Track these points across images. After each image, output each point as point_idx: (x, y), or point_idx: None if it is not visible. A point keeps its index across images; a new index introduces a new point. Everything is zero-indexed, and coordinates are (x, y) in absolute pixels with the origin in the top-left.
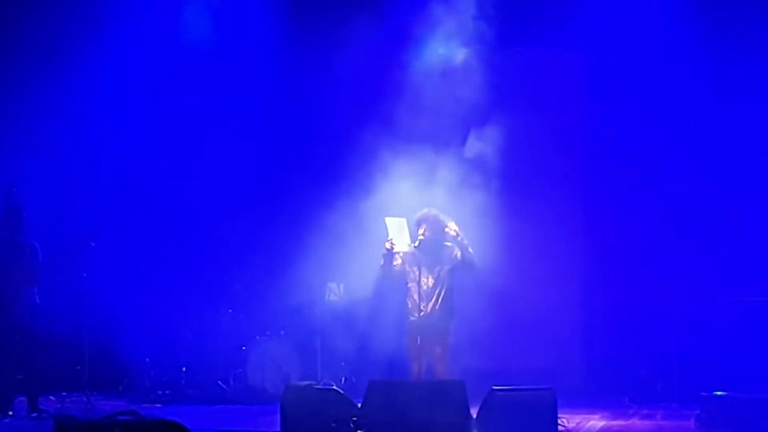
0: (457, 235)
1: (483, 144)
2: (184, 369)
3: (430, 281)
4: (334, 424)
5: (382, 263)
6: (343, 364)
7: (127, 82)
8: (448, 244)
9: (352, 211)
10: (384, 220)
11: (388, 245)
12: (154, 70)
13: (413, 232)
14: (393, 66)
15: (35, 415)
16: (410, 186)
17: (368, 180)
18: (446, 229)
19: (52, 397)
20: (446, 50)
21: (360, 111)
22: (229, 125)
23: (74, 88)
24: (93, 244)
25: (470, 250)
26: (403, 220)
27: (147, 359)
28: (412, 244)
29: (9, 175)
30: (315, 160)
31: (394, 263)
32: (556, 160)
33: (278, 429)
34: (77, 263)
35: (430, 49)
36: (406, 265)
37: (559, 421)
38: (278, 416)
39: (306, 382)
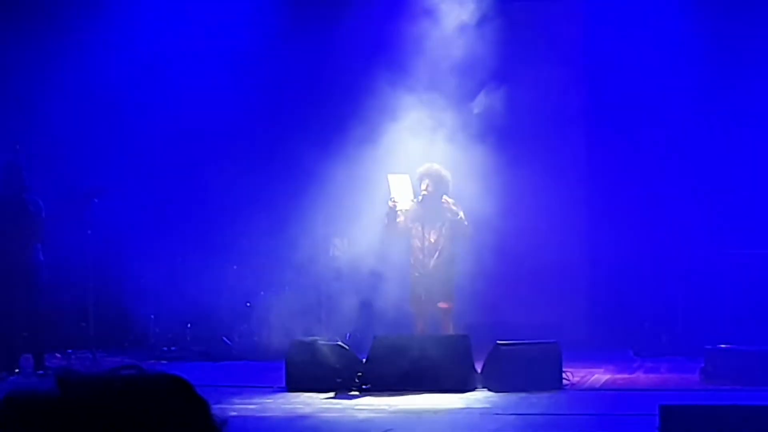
0: (453, 206)
1: (492, 99)
2: (189, 325)
3: (433, 237)
4: (339, 379)
5: (385, 222)
6: (347, 319)
7: (132, 33)
8: (449, 200)
9: (357, 164)
10: (387, 178)
11: (390, 203)
12: (158, 20)
13: (416, 188)
14: (407, 17)
15: (41, 372)
16: (416, 138)
17: (374, 131)
18: (443, 201)
19: (57, 355)
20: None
21: (369, 59)
22: (234, 75)
23: (78, 40)
24: (96, 200)
25: (465, 221)
26: (406, 177)
27: (152, 316)
28: (415, 200)
29: (11, 131)
30: (320, 112)
31: (398, 220)
32: (563, 114)
33: (283, 384)
34: (81, 220)
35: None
36: (409, 222)
37: (563, 375)
38: (283, 372)
39: (311, 338)
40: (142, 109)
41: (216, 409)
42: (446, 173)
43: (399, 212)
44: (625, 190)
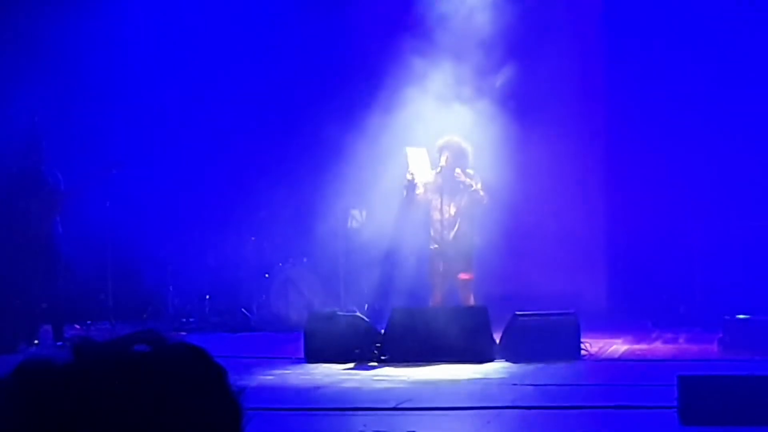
0: (467, 179)
1: (514, 73)
2: (207, 297)
3: (452, 209)
4: (357, 351)
5: (404, 194)
6: (365, 290)
7: (154, 7)
8: (468, 172)
9: (377, 135)
10: (405, 151)
11: (408, 176)
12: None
13: (434, 160)
14: None
15: (60, 343)
16: (437, 109)
17: (395, 101)
18: (456, 175)
19: (76, 326)
20: None
21: (393, 26)
22: (257, 45)
23: (97, 13)
24: (115, 172)
25: (481, 191)
26: (423, 150)
27: (171, 287)
28: (434, 172)
29: (30, 103)
30: (341, 81)
31: (416, 192)
32: (582, 86)
33: (302, 355)
34: (100, 192)
35: None
36: (428, 194)
37: (581, 346)
38: (301, 343)
39: (329, 309)
40: (163, 80)
41: (233, 378)
42: (466, 146)
43: (417, 185)
44: (643, 159)
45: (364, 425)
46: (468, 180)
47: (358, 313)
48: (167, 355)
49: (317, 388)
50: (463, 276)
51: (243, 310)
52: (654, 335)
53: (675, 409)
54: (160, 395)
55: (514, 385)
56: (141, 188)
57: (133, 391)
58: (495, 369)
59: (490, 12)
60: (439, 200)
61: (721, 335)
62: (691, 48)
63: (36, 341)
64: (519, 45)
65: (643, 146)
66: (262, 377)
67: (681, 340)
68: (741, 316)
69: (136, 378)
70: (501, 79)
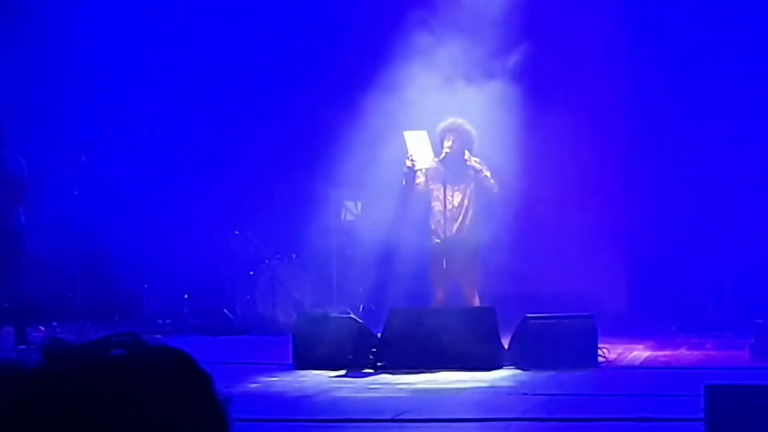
0: (477, 163)
1: (528, 52)
2: (186, 296)
3: (456, 199)
4: (351, 356)
5: (404, 182)
6: (360, 290)
7: None
8: (476, 160)
9: (373, 118)
10: (402, 135)
11: (408, 162)
12: None
13: (436, 145)
14: None
15: (23, 347)
16: (440, 88)
17: (395, 80)
18: (465, 159)
19: (41, 327)
20: None
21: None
22: (237, 14)
23: None
24: (84, 158)
25: (491, 179)
26: (424, 133)
27: (146, 285)
28: (436, 159)
29: None
30: (335, 58)
31: (417, 181)
32: (599, 70)
33: (290, 361)
34: (68, 179)
35: None
36: (430, 183)
37: (599, 352)
38: (290, 347)
39: (320, 311)
40: (139, 56)
41: (217, 386)
42: (471, 128)
43: (418, 172)
44: (669, 146)
45: None
46: (477, 164)
47: (352, 315)
48: (148, 359)
49: (307, 397)
50: (466, 274)
51: (225, 311)
52: (679, 340)
53: (702, 422)
54: (141, 403)
55: (524, 394)
56: (113, 176)
57: (110, 398)
58: (503, 377)
59: None
60: (442, 190)
61: (752, 340)
62: (726, 24)
63: None
64: (534, 22)
65: (670, 132)
66: (246, 385)
67: (709, 346)
68: None
69: (114, 384)
70: (514, 58)
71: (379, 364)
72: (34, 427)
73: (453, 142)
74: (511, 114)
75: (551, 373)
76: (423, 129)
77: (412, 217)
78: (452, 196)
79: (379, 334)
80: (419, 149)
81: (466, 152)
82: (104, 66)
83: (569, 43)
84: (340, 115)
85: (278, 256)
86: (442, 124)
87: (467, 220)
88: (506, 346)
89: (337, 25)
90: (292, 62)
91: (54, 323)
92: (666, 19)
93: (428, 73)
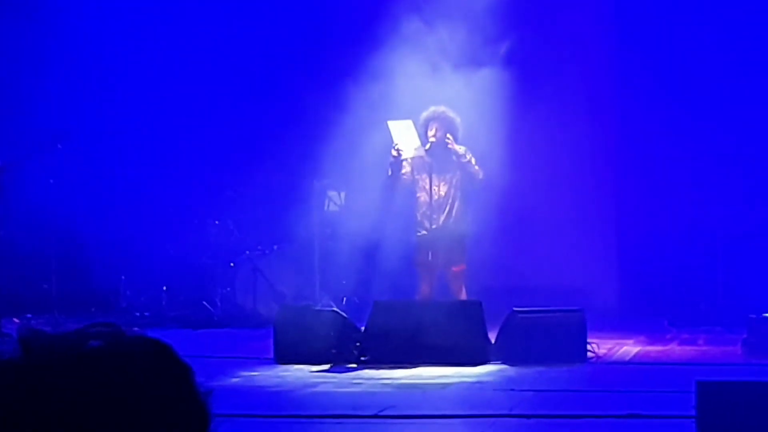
0: (460, 149)
1: (519, 39)
2: (164, 288)
3: (443, 189)
4: (334, 350)
5: (389, 173)
6: (344, 282)
7: None
8: (459, 148)
9: (358, 106)
10: (387, 125)
11: (394, 152)
12: None
13: (421, 136)
14: None
15: None
16: (426, 75)
17: (381, 67)
18: (448, 144)
19: (15, 319)
20: None
21: None
22: (216, 5)
23: None
24: (60, 145)
25: (475, 166)
26: (409, 122)
27: (123, 277)
28: (421, 148)
29: None
30: (319, 44)
31: (402, 171)
32: (590, 56)
33: (271, 356)
34: (43, 168)
35: None
36: (415, 173)
37: (588, 347)
38: (271, 341)
39: (302, 303)
40: (117, 41)
41: (198, 379)
42: (455, 116)
43: (404, 162)
44: (662, 137)
45: None
46: (461, 149)
47: (335, 308)
48: (127, 350)
49: (288, 392)
50: (454, 268)
51: (205, 303)
52: (670, 336)
53: (693, 419)
54: (120, 396)
55: (511, 390)
56: (90, 164)
57: (89, 390)
58: (489, 372)
59: None
60: (428, 180)
61: (745, 336)
62: (718, 14)
63: None
64: (525, 9)
65: (663, 123)
66: (226, 379)
67: (700, 342)
68: None
69: (92, 376)
70: (504, 45)
71: (362, 358)
72: (11, 420)
73: (436, 130)
74: (500, 102)
75: (539, 368)
76: (410, 118)
77: (397, 208)
78: (438, 186)
79: (362, 328)
80: (405, 139)
81: (449, 135)
82: (81, 52)
83: (560, 31)
84: (324, 102)
85: (259, 246)
86: (424, 114)
87: (453, 211)
88: (493, 341)
89: (321, 10)
90: (274, 47)
91: (28, 315)
92: (660, 5)
93: (416, 60)
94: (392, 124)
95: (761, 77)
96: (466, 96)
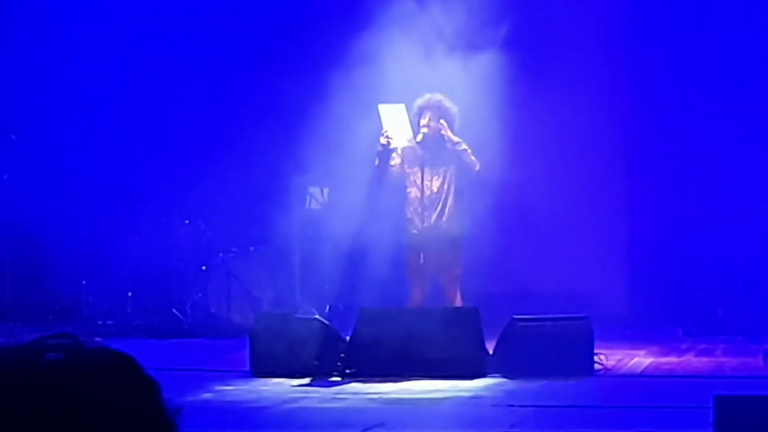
0: (453, 141)
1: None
2: (130, 294)
3: (435, 184)
4: (316, 362)
5: (376, 163)
6: (327, 287)
7: None
8: (455, 138)
9: (343, 93)
10: (378, 109)
11: (383, 140)
12: None
13: (414, 124)
14: None
15: None
16: (419, 60)
17: (367, 51)
18: (442, 133)
19: None
20: None
21: None
22: None
23: None
24: (15, 137)
25: (472, 156)
26: (402, 107)
27: (84, 282)
28: (413, 139)
29: None
30: (299, 24)
31: (392, 163)
32: (601, 38)
33: (247, 368)
34: None
35: None
36: (406, 165)
37: (595, 358)
38: (247, 352)
39: (281, 310)
40: (78, 24)
41: (166, 394)
42: (451, 105)
43: (394, 152)
44: (677, 131)
45: None
46: (457, 139)
47: (317, 316)
48: (88, 364)
49: (265, 408)
50: (447, 270)
51: (174, 310)
52: (685, 346)
53: None
54: (80, 414)
55: (511, 406)
56: (47, 157)
57: (46, 407)
58: (488, 386)
59: None
60: (419, 174)
61: (767, 347)
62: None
63: None
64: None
65: (680, 115)
66: (197, 394)
67: (718, 352)
68: None
69: (50, 392)
70: (504, 28)
71: (347, 371)
72: None
73: (430, 120)
74: (499, 90)
75: (542, 381)
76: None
77: (385, 204)
78: (430, 181)
79: (347, 338)
80: (396, 125)
81: (443, 121)
82: (39, 37)
83: (564, 12)
84: (304, 88)
85: (234, 248)
86: (419, 101)
87: (447, 209)
88: (491, 352)
89: None
90: (247, 29)
91: None
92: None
93: (407, 43)
94: (383, 108)
95: None
96: (461, 82)
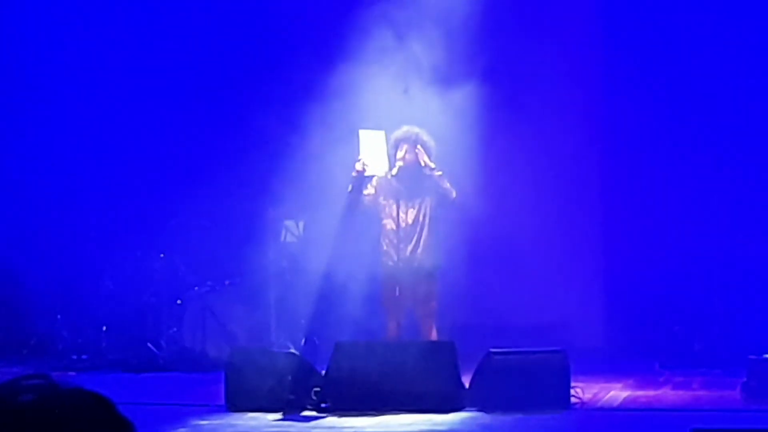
0: (430, 166)
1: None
2: (104, 328)
3: (411, 216)
4: (291, 396)
5: (349, 189)
6: (302, 321)
7: None
8: (432, 164)
9: (316, 128)
10: (357, 134)
11: (359, 166)
12: None
13: (390, 156)
14: None
15: None
16: (397, 93)
17: (344, 83)
18: (422, 165)
19: None
20: None
21: None
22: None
23: None
24: None
25: (453, 191)
26: (381, 134)
27: (58, 316)
28: (389, 171)
29: None
30: (277, 56)
31: (365, 192)
32: (580, 72)
33: (222, 402)
34: None
35: None
36: (381, 197)
37: (572, 392)
38: (222, 386)
39: (257, 345)
40: (52, 39)
41: None
42: (429, 138)
43: (369, 184)
44: (652, 160)
45: None
46: (434, 165)
47: (292, 350)
48: (61, 405)
49: None
50: (423, 303)
51: (149, 344)
52: (662, 378)
53: None
54: None
55: None
56: (18, 186)
57: None
58: (464, 420)
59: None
60: (395, 206)
61: (745, 379)
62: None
63: None
64: (504, 23)
65: (652, 145)
66: (172, 429)
67: (695, 385)
68: None
69: None
70: (481, 62)
71: (322, 405)
72: None
73: (407, 153)
74: (476, 122)
75: (518, 415)
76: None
77: (359, 234)
78: (406, 213)
79: (323, 372)
80: (373, 153)
81: (424, 156)
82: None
83: (542, 47)
84: (280, 121)
85: (209, 282)
86: (396, 134)
87: (423, 241)
88: (467, 385)
89: (276, 19)
90: (223, 60)
91: None
92: (649, 21)
93: (384, 76)
94: (363, 134)
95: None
96: (438, 115)
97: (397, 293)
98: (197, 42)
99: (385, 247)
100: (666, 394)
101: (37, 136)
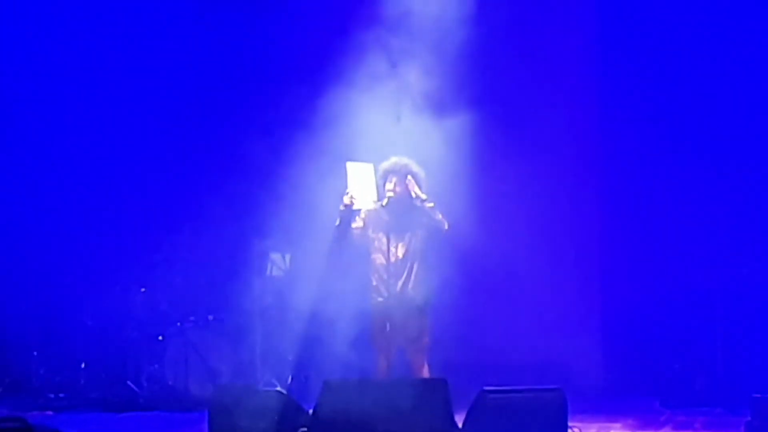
0: (429, 204)
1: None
2: (83, 365)
3: (401, 251)
4: None
5: (337, 222)
6: (289, 358)
7: None
8: (423, 195)
9: (303, 159)
10: (345, 166)
11: (347, 199)
12: None
13: (379, 187)
14: None
15: None
16: (384, 123)
17: (328, 113)
18: (413, 197)
19: None
20: None
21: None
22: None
23: None
24: None
25: (444, 224)
26: (370, 167)
27: (35, 353)
28: (379, 203)
29: None
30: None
31: (354, 225)
32: (575, 100)
33: None
34: None
35: None
36: (370, 230)
37: (569, 431)
38: (206, 425)
39: (241, 382)
40: (20, 82)
41: None
42: (419, 169)
43: (357, 217)
44: (651, 191)
45: None
46: (425, 195)
47: (278, 388)
48: None
49: None
50: (413, 340)
51: (129, 383)
52: (663, 418)
53: None
54: None
55: None
56: None
57: None
58: None
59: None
60: (385, 240)
61: (749, 419)
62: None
63: None
64: (500, 52)
65: (650, 180)
66: None
67: (697, 425)
68: None
69: None
70: (476, 91)
71: None
72: None
73: (396, 184)
74: (470, 152)
75: None
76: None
77: (347, 269)
78: (396, 247)
79: (310, 411)
80: (362, 186)
81: (416, 188)
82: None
83: (537, 76)
84: (267, 152)
85: (192, 317)
86: (384, 165)
87: (413, 276)
88: (460, 425)
89: (263, 45)
90: (206, 87)
91: None
92: (644, 45)
93: (374, 104)
94: (351, 166)
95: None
96: (431, 143)
97: (388, 329)
98: (188, 72)
99: (374, 282)
100: None
101: (12, 170)
